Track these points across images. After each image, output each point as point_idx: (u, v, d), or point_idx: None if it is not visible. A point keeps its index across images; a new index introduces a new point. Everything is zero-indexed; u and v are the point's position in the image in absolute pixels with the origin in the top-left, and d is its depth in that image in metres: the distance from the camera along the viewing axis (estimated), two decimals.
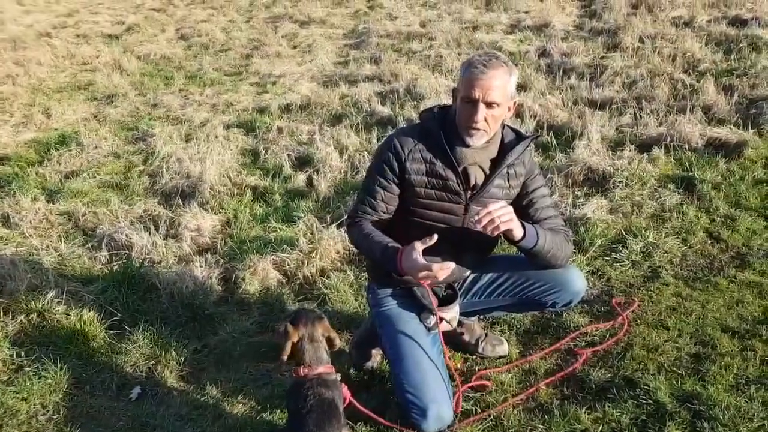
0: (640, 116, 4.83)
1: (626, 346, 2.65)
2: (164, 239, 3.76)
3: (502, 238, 2.15)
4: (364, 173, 4.46)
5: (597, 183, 4.06)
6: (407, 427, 2.18)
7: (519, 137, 2.26)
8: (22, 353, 2.78)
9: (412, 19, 9.54)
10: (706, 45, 6.44)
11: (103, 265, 3.54)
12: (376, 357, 2.66)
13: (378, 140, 5.22)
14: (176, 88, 7.56)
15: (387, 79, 7.00)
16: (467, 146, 2.16)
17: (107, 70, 7.99)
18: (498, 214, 2.01)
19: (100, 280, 3.26)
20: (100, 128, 6.06)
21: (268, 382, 2.63)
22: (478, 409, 2.37)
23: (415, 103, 6.02)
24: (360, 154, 4.94)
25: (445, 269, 2.03)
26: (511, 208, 2.07)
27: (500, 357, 2.66)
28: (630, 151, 4.26)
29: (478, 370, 2.56)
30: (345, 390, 2.19)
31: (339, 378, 2.16)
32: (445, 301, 2.32)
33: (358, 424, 2.29)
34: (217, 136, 5.66)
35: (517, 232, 2.10)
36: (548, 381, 2.48)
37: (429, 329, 2.30)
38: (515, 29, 8.58)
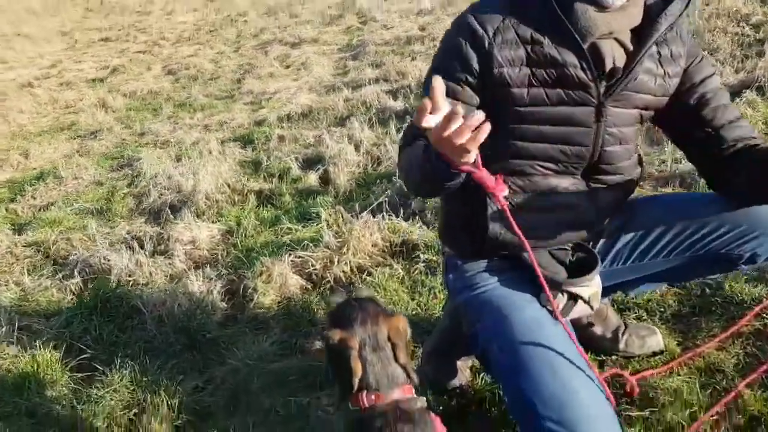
0: None
1: None
2: (151, 256, 2.96)
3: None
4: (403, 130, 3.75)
5: None
6: None
7: None
8: None
9: (409, 25, 9.01)
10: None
11: (74, 294, 2.73)
12: (464, 371, 1.82)
13: (398, 132, 4.48)
14: (164, 116, 6.94)
15: (393, 78, 6.34)
16: (597, 5, 1.37)
17: (91, 110, 7.42)
18: None
19: (65, 311, 2.44)
20: (81, 160, 5.40)
21: (305, 425, 1.79)
22: None
23: None
24: (379, 148, 4.19)
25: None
26: None
27: (654, 353, 1.80)
28: None
29: (630, 373, 1.67)
30: (438, 424, 1.35)
31: (426, 405, 1.33)
32: (577, 270, 1.49)
33: None
34: (211, 152, 4.96)
35: None
36: (750, 379, 1.59)
37: (556, 316, 1.47)
38: None
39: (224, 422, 1.85)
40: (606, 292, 1.68)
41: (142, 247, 3.10)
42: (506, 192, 1.30)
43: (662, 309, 1.98)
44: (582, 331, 1.76)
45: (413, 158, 1.42)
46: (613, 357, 1.82)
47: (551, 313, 1.47)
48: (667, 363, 1.72)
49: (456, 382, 1.78)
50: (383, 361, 1.30)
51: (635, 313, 2.00)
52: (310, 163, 4.18)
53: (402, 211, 2.84)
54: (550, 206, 1.50)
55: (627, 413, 1.56)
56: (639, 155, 1.61)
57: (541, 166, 1.49)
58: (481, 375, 1.82)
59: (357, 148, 4.21)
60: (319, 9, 11.67)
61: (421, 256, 2.48)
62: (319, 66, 7.69)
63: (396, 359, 1.32)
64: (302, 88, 6.83)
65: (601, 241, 1.63)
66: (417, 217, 2.78)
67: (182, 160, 4.77)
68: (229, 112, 6.39)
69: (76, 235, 3.51)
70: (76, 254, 3.17)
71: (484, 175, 1.28)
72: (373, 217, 2.73)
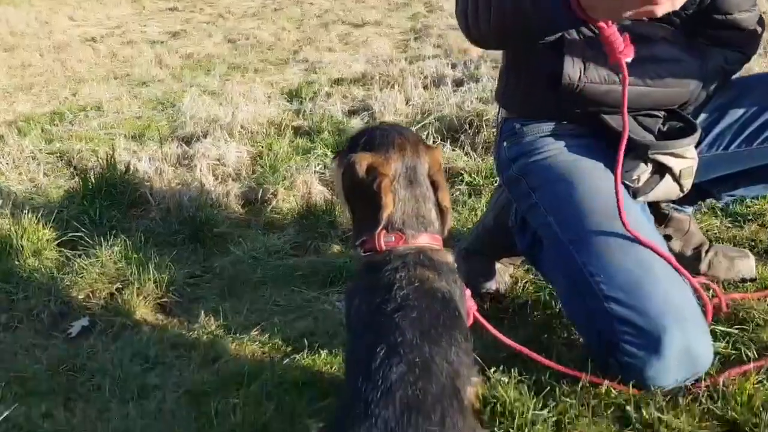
0: None
1: None
2: (173, 167, 2.74)
3: None
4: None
5: None
6: (608, 372, 1.01)
7: None
8: None
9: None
10: None
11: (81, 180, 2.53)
12: (504, 275, 1.49)
13: (454, 92, 4.19)
14: (217, 74, 6.88)
15: (455, 55, 6.05)
16: None
17: (147, 65, 7.45)
18: None
19: (67, 196, 2.23)
20: (126, 99, 5.34)
21: (307, 314, 1.50)
22: (750, 353, 1.12)
23: (494, 64, 4.99)
24: (431, 103, 3.90)
25: None
26: None
27: (743, 280, 1.44)
28: None
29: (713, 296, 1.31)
30: (468, 294, 1.05)
31: (456, 265, 1.03)
32: (668, 137, 1.17)
33: (493, 370, 1.11)
34: (255, 100, 4.79)
35: None
36: None
37: (636, 192, 1.14)
38: None
39: (216, 305, 1.57)
40: (692, 195, 1.34)
41: (165, 160, 2.89)
42: (631, 57, 1.01)
43: (753, 243, 1.60)
44: None
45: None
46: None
47: (629, 189, 1.15)
48: (763, 290, 1.35)
49: (492, 284, 1.46)
50: (418, 199, 1.01)
51: None
52: (355, 112, 3.94)
53: (449, 143, 2.54)
54: (640, 57, 1.17)
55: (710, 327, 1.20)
56: (760, 13, 1.26)
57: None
58: (524, 281, 1.49)
59: (407, 102, 3.95)
60: None
61: (465, 178, 2.17)
62: (379, 43, 7.51)
63: (438, 201, 1.03)
64: (359, 60, 6.64)
65: (702, 116, 1.29)
66: (465, 148, 2.48)
67: (225, 105, 4.62)
68: (281, 74, 6.26)
69: (103, 148, 3.35)
70: (98, 162, 3.00)
71: (615, 34, 1.00)
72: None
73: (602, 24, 0.99)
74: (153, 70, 7.33)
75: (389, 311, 0.87)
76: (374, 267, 0.96)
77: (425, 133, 2.51)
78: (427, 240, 1.00)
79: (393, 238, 0.98)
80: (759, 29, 1.26)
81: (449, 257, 1.02)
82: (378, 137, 1.04)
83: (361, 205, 1.02)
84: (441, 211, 1.04)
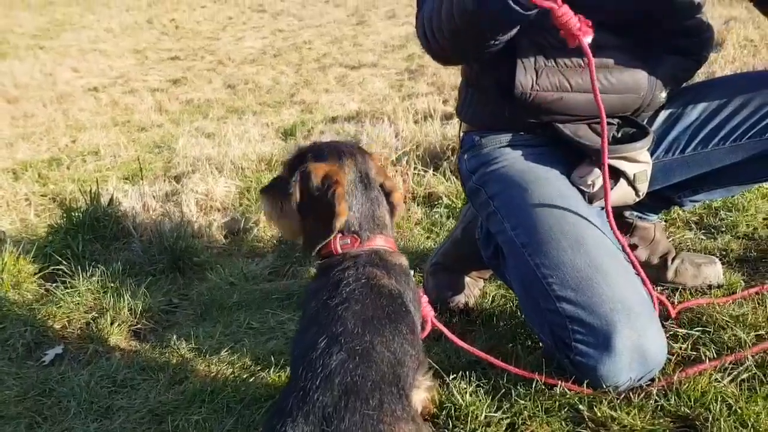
0: None
1: None
2: (160, 202, 2.77)
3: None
4: None
5: None
6: (561, 374, 1.00)
7: None
8: None
9: None
10: None
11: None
12: (473, 289, 1.49)
13: (442, 125, 4.27)
14: (215, 117, 7.02)
15: (448, 92, 6.18)
16: None
17: (147, 111, 7.63)
18: None
19: (51, 231, 2.26)
20: (123, 142, 5.46)
21: (279, 335, 1.49)
22: (709, 353, 1.11)
23: None
24: (419, 137, 3.96)
25: None
26: None
27: (710, 287, 1.43)
28: None
29: (679, 302, 1.31)
30: (424, 301, 1.06)
31: (409, 269, 1.04)
32: (621, 143, 1.19)
33: (452, 376, 1.11)
34: (249, 139, 4.89)
35: None
36: None
37: (591, 198, 1.16)
38: None
39: (188, 330, 1.56)
40: (655, 203, 1.35)
41: (154, 197, 2.93)
42: (591, 38, 1.01)
43: (725, 253, 1.59)
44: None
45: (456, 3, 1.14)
46: (659, 287, 1.44)
47: (584, 195, 1.16)
48: (726, 296, 1.34)
49: (461, 298, 1.45)
50: (372, 202, 1.04)
51: None
52: None
53: (431, 170, 2.57)
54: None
55: (670, 330, 1.19)
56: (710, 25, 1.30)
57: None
58: (492, 295, 1.49)
59: (397, 135, 4.02)
60: (383, 39, 11.83)
61: (444, 200, 2.19)
62: (375, 83, 7.67)
63: (384, 204, 1.05)
64: (354, 99, 6.78)
65: (657, 122, 1.31)
66: (446, 174, 2.50)
67: (221, 145, 4.70)
68: (278, 115, 6.38)
69: (94, 187, 3.40)
70: (87, 202, 3.04)
71: (568, 13, 0.99)
72: (395, 164, 2.47)
73: (552, 5, 0.98)
74: (153, 116, 7.50)
75: (333, 305, 0.88)
76: (328, 269, 0.98)
77: (406, 159, 2.54)
78: (381, 242, 1.01)
79: (349, 241, 1.00)
80: (708, 35, 1.29)
81: (402, 259, 1.03)
82: (326, 149, 1.07)
83: (314, 214, 1.04)
84: (391, 208, 1.06)
